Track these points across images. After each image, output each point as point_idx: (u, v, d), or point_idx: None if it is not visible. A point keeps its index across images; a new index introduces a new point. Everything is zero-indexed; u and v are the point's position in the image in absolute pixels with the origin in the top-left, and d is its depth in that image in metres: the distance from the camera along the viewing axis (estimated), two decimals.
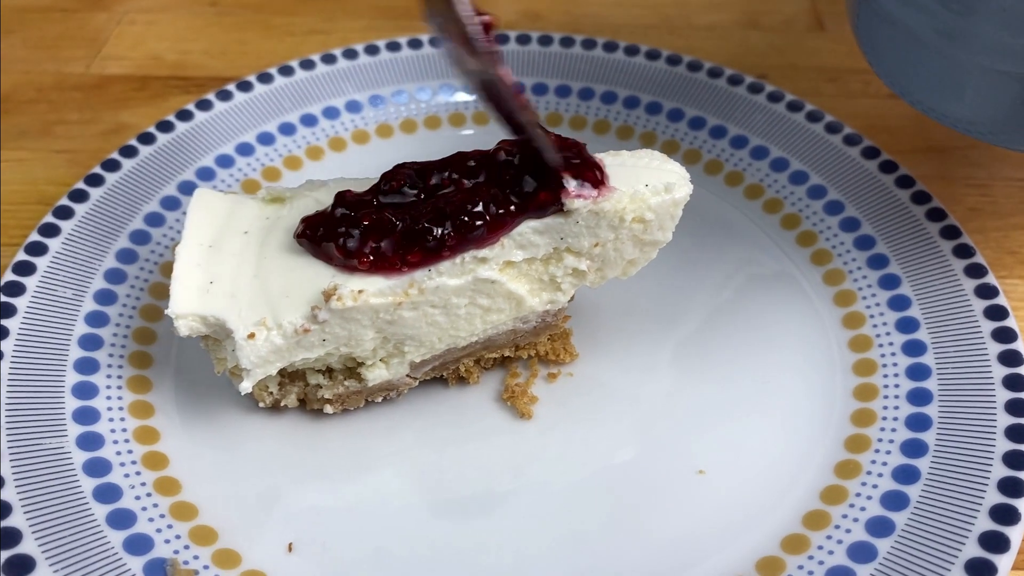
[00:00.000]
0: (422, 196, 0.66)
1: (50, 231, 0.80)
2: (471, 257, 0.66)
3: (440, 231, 0.64)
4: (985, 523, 0.62)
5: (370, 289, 0.64)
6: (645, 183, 0.67)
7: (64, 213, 0.82)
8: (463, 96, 0.99)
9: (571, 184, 0.65)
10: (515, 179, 0.65)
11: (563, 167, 0.65)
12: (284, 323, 0.64)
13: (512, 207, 0.64)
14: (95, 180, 0.85)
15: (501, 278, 0.67)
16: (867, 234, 0.83)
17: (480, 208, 0.64)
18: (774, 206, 0.88)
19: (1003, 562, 0.60)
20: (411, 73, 1.00)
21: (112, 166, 0.87)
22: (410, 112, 0.98)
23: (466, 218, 0.63)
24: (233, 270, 0.68)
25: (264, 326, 0.64)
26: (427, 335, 0.69)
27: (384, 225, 0.65)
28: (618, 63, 1.00)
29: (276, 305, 0.65)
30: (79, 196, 0.84)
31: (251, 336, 0.64)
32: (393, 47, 1.01)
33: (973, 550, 0.61)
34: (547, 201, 0.65)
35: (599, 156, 0.69)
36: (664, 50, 1.01)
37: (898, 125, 1.03)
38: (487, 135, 0.97)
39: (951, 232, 0.81)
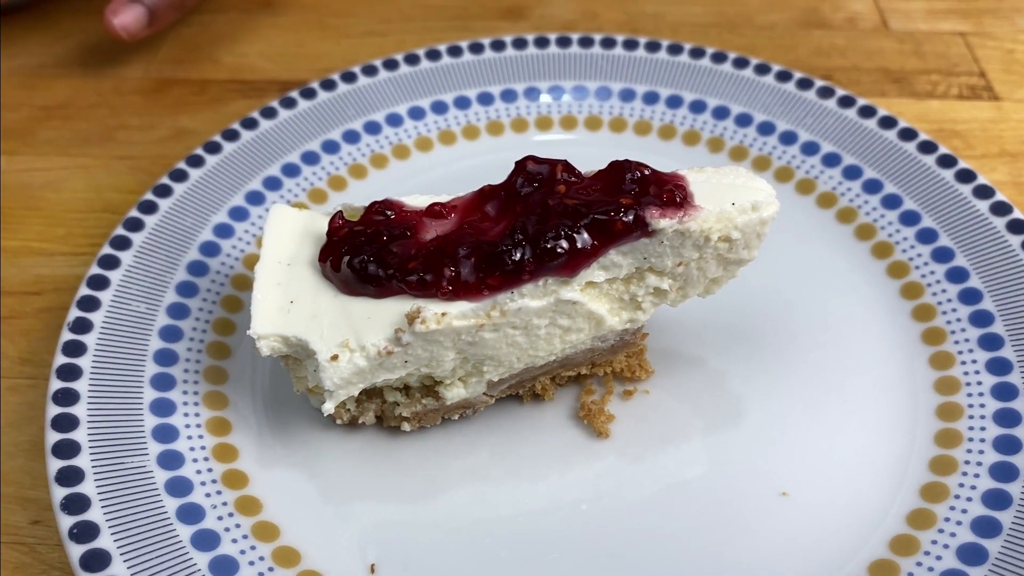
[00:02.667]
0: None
1: (122, 244, 0.80)
2: (554, 279, 0.65)
3: (520, 255, 0.63)
4: None
5: (453, 312, 0.64)
6: (732, 201, 0.66)
7: (134, 225, 0.82)
8: (526, 101, 0.98)
9: (652, 214, 0.64)
10: (600, 210, 0.64)
11: None
12: (367, 345, 0.64)
13: (595, 242, 0.63)
14: (163, 191, 0.85)
15: (582, 299, 0.66)
16: (945, 246, 0.81)
17: (564, 243, 0.63)
18: (848, 215, 0.87)
19: None
20: (473, 78, 0.99)
21: (179, 176, 0.87)
22: (471, 119, 0.97)
23: (548, 246, 0.63)
24: (313, 289, 0.67)
25: (347, 348, 0.64)
26: (506, 355, 0.68)
27: (450, 255, 0.65)
28: (683, 66, 0.98)
29: (359, 327, 0.65)
30: (148, 207, 0.84)
31: (334, 358, 0.64)
32: (455, 52, 1.00)
33: None
34: (630, 229, 0.64)
35: (683, 172, 0.68)
36: (731, 52, 0.99)
37: (968, 129, 1.01)
38: (551, 143, 0.96)
39: None
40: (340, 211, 0.69)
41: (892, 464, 0.70)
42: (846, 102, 0.93)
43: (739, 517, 0.68)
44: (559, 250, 0.63)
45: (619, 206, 0.64)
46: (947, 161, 0.87)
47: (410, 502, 0.70)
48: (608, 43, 1.01)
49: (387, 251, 0.65)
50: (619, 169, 0.66)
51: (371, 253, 0.65)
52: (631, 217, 0.63)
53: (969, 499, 0.66)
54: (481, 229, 0.66)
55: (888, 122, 0.91)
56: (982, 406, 0.72)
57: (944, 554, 0.64)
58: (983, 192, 0.84)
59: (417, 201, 0.70)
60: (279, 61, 1.12)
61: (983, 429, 0.70)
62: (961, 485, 0.67)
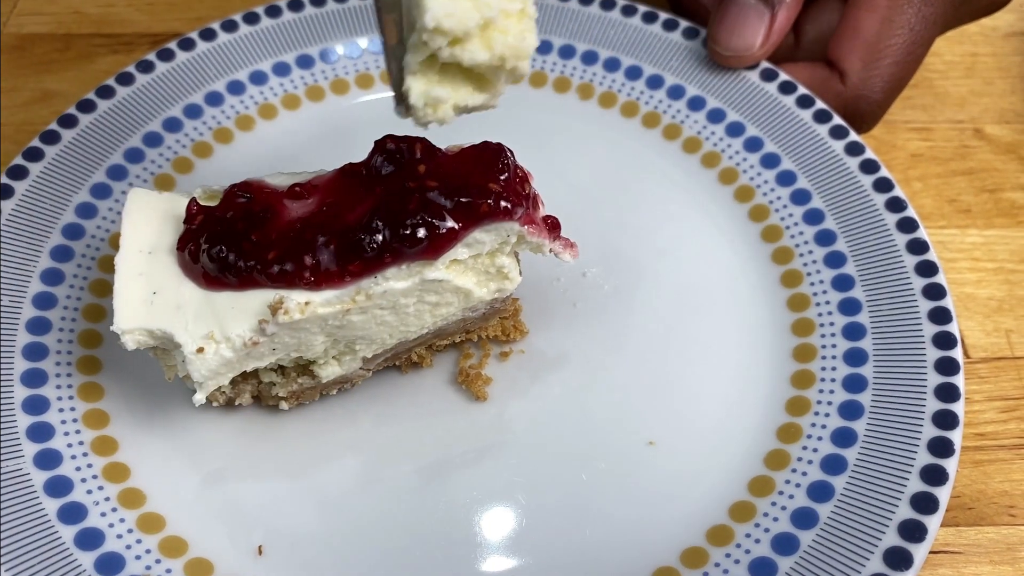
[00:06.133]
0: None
1: None
2: (417, 262, 0.66)
3: (380, 240, 0.63)
4: (916, 484, 0.66)
5: (317, 300, 0.64)
6: None
7: None
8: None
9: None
10: (457, 192, 0.65)
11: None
12: (232, 336, 0.64)
13: (459, 224, 0.64)
14: (18, 172, 0.82)
15: (448, 276, 0.67)
16: (803, 188, 0.85)
17: (423, 229, 0.63)
18: (712, 160, 0.89)
19: (932, 523, 0.65)
20: (339, 29, 0.97)
21: (34, 155, 0.83)
22: (339, 72, 0.95)
23: (407, 232, 0.63)
24: (176, 278, 0.67)
25: (212, 340, 0.64)
26: (377, 334, 0.69)
27: (303, 244, 0.65)
28: (552, 9, 0.98)
29: (223, 317, 0.65)
30: (4, 192, 0.81)
31: (200, 350, 0.64)
32: (318, 2, 0.97)
33: (906, 512, 0.65)
34: (495, 213, 0.65)
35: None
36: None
37: None
38: None
39: (884, 185, 0.82)
40: (195, 197, 0.68)
41: (751, 407, 0.75)
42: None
43: (610, 466, 0.72)
44: (419, 235, 0.64)
45: (485, 191, 0.65)
46: (805, 101, 0.89)
47: (293, 478, 0.72)
48: None
49: (246, 240, 0.65)
50: (488, 152, 0.67)
51: (230, 243, 0.65)
52: (497, 203, 0.65)
53: (820, 438, 0.71)
54: (342, 212, 0.66)
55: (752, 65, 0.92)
56: (834, 346, 0.76)
57: (796, 492, 0.69)
58: (838, 132, 0.86)
59: (279, 180, 0.70)
60: (148, 11, 1.07)
61: (834, 369, 0.75)
62: (813, 425, 0.72)
